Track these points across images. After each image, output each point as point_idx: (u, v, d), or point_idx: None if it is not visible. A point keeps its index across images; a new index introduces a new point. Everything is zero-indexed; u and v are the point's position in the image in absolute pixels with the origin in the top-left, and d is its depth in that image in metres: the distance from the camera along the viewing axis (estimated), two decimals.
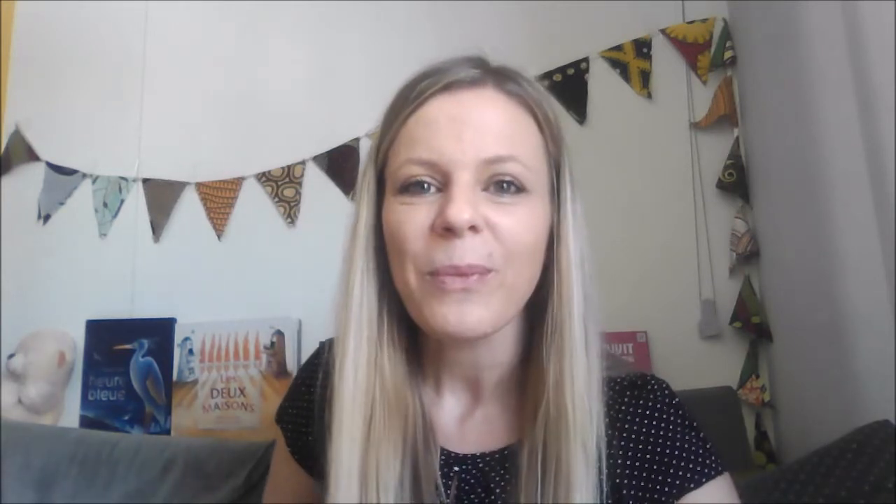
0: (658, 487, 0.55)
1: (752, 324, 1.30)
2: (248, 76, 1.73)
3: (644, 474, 0.56)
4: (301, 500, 0.71)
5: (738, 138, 1.37)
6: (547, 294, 0.59)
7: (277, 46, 1.72)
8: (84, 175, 1.77)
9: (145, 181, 1.72)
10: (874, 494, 0.70)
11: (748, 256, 1.32)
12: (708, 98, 1.42)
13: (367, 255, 0.59)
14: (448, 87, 0.56)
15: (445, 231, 0.53)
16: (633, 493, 0.55)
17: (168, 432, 1.58)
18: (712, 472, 0.56)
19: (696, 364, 1.34)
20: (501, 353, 0.62)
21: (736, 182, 1.35)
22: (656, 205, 1.42)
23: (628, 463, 0.56)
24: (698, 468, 0.56)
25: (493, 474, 0.60)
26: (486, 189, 0.55)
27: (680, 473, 0.55)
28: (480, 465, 0.61)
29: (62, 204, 1.78)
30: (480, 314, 0.53)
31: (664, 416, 0.58)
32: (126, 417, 1.62)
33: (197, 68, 1.77)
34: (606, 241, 1.40)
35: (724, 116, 1.38)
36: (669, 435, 0.57)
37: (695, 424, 0.59)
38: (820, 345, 1.07)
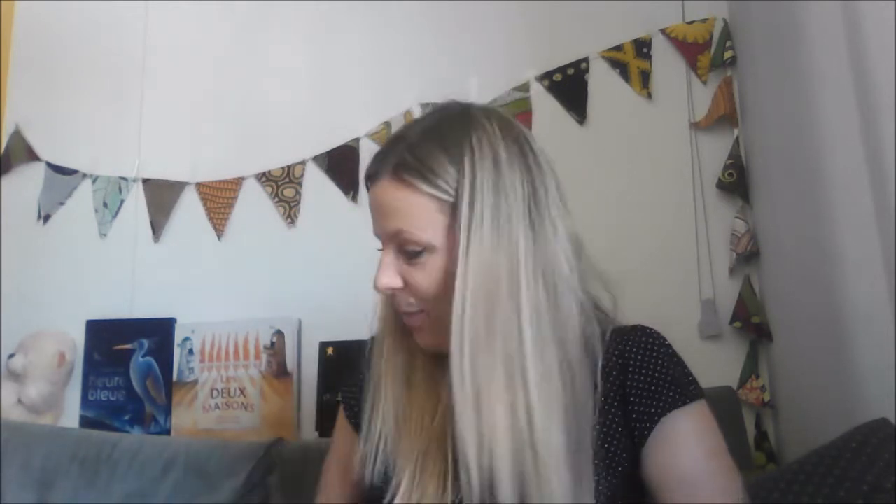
0: (653, 404, 0.71)
1: (752, 324, 1.30)
2: (247, 76, 1.73)
3: (643, 394, 0.71)
4: (349, 465, 0.86)
5: (738, 138, 1.37)
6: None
7: (277, 46, 1.72)
8: (84, 175, 1.77)
9: (145, 181, 1.73)
10: (873, 494, 0.70)
11: (748, 256, 1.33)
12: (708, 98, 1.42)
13: None
14: (368, 179, 0.74)
15: None
16: (636, 409, 0.71)
17: (168, 432, 1.58)
18: (691, 398, 0.71)
19: (696, 364, 1.31)
20: None
21: (736, 182, 1.35)
22: (656, 205, 1.42)
23: (634, 385, 0.72)
24: (682, 392, 0.71)
25: None
26: (402, 253, 0.72)
27: (669, 395, 0.71)
28: None
29: (62, 204, 1.78)
30: (428, 339, 0.75)
31: (657, 351, 0.74)
32: (126, 417, 1.62)
33: (197, 68, 1.77)
34: (606, 241, 1.39)
35: (724, 116, 1.38)
36: (661, 364, 0.73)
37: (680, 360, 0.75)
38: (820, 345, 1.07)
